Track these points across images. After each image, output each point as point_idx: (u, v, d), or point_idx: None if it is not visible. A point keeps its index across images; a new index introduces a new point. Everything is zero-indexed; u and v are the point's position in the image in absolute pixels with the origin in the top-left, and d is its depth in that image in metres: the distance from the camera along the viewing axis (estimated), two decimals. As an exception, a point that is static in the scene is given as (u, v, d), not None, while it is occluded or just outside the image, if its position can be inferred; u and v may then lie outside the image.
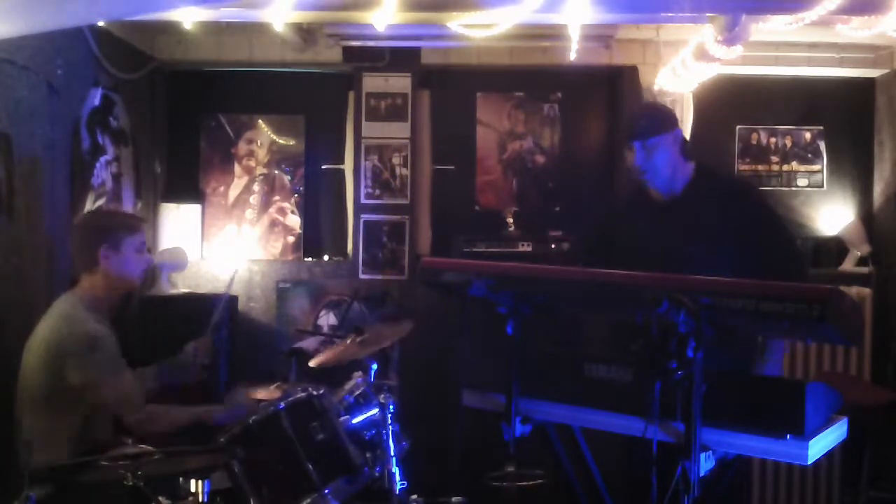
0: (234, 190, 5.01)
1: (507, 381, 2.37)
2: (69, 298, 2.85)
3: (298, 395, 2.57)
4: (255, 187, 5.02)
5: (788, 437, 2.01)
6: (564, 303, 2.48)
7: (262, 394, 3.15)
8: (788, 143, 5.01)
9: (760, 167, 5.02)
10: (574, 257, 3.52)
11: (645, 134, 2.76)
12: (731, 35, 3.58)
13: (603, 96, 5.07)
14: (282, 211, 5.02)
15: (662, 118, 2.86)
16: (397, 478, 2.69)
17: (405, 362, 4.58)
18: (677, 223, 2.77)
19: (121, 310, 4.01)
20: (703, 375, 2.01)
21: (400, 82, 4.84)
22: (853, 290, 4.31)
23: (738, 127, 5.01)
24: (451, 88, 5.04)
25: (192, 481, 2.44)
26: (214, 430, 2.62)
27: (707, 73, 4.28)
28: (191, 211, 4.94)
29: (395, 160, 4.85)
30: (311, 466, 2.46)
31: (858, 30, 3.49)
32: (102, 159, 4.15)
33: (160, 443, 2.49)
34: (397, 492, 2.67)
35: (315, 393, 2.59)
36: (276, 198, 5.02)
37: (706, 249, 2.68)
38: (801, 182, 5.02)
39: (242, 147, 5.02)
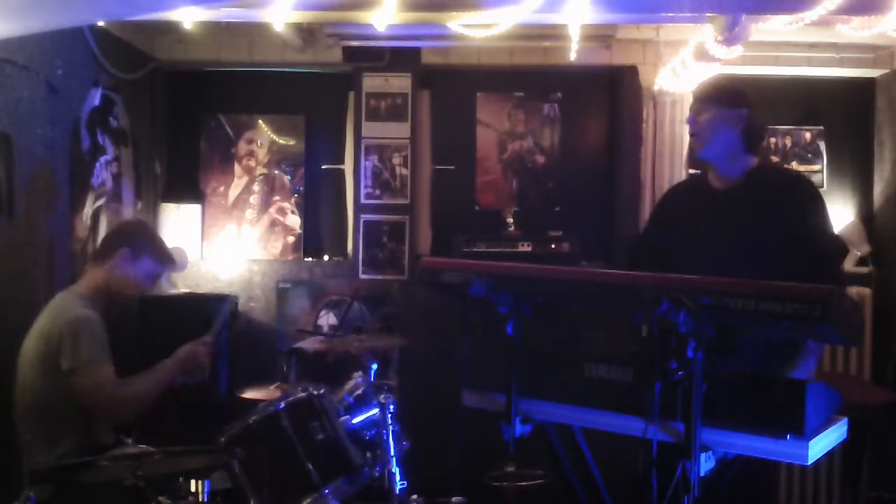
0: (234, 190, 5.01)
1: (507, 381, 2.37)
2: (64, 293, 2.90)
3: (298, 395, 2.57)
4: (255, 187, 5.02)
5: (788, 437, 2.01)
6: (564, 303, 2.48)
7: (262, 394, 3.15)
8: (788, 143, 5.00)
9: (760, 167, 5.01)
10: (629, 256, 3.43)
11: (700, 96, 2.88)
12: (731, 35, 3.58)
13: (603, 96, 5.06)
14: (282, 211, 5.02)
15: (724, 91, 2.90)
16: (397, 478, 2.69)
17: (405, 362, 4.58)
18: (734, 212, 2.78)
19: (120, 309, 4.02)
20: (703, 375, 2.01)
21: (400, 82, 4.83)
22: (853, 290, 4.32)
23: (738, 127, 5.00)
24: (451, 88, 5.04)
25: (192, 481, 2.45)
26: (214, 429, 2.62)
27: (707, 73, 4.27)
28: (191, 211, 4.94)
29: (395, 160, 4.85)
30: (311, 466, 2.46)
31: (858, 30, 3.50)
32: (102, 159, 4.15)
33: (160, 443, 2.50)
34: (397, 492, 2.67)
35: (315, 393, 2.59)
36: (276, 198, 5.02)
37: (759, 240, 2.68)
38: (801, 182, 5.01)
39: (242, 147, 5.02)
